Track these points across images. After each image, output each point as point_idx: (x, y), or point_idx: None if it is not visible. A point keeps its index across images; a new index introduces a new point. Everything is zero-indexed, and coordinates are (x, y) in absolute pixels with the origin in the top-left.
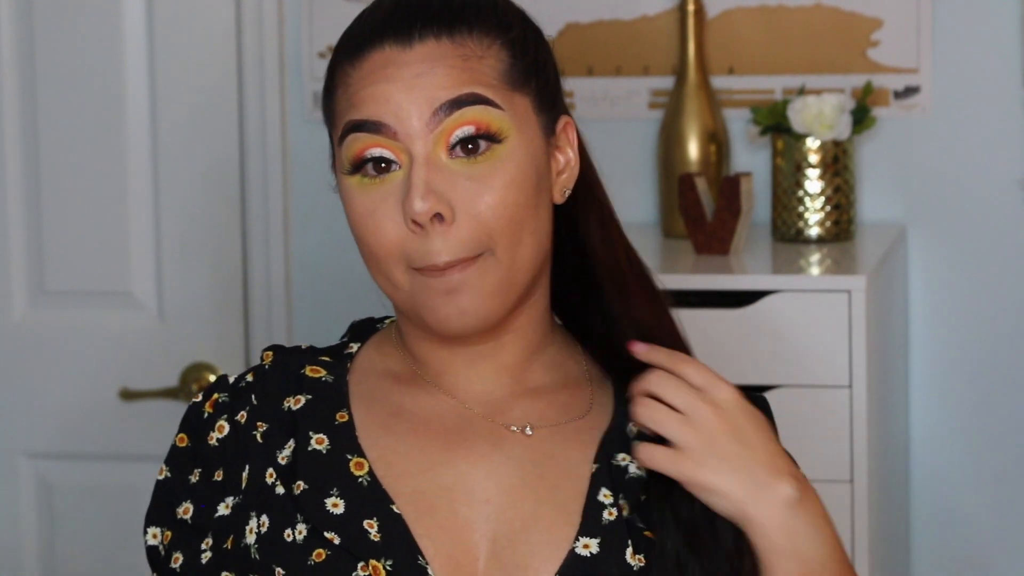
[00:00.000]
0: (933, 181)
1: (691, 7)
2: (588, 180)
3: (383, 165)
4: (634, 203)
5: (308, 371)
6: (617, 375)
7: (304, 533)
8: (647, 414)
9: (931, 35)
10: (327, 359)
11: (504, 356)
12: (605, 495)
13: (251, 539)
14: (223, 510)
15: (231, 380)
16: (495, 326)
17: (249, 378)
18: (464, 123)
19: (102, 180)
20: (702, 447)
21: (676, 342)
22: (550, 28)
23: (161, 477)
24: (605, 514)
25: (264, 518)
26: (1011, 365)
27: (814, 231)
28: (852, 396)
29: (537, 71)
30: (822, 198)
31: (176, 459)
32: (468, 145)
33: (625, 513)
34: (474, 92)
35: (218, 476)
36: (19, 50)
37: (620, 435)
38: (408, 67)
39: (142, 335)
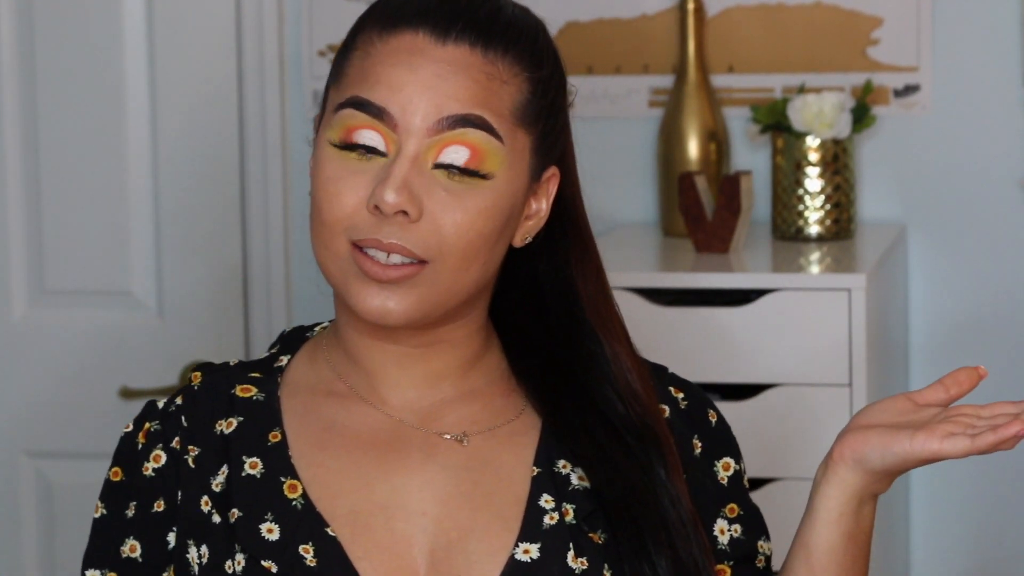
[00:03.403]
0: (933, 180)
1: (691, 6)
2: (580, 228)
3: (369, 151)
4: (634, 202)
5: (239, 391)
6: (538, 388)
7: (243, 564)
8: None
9: (931, 33)
10: (257, 375)
11: (436, 363)
12: (547, 500)
13: (195, 570)
14: (172, 540)
15: (160, 405)
16: (421, 330)
17: (178, 401)
18: (463, 142)
19: (102, 180)
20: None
21: (646, 378)
22: (550, 27)
23: (97, 515)
24: (546, 519)
25: (204, 548)
26: (1011, 363)
27: (814, 229)
28: (852, 395)
29: (548, 116)
30: (822, 196)
31: (112, 494)
32: (454, 171)
33: (568, 518)
34: (483, 117)
35: (158, 507)
36: (19, 50)
37: (557, 440)
38: (434, 64)
39: (142, 334)
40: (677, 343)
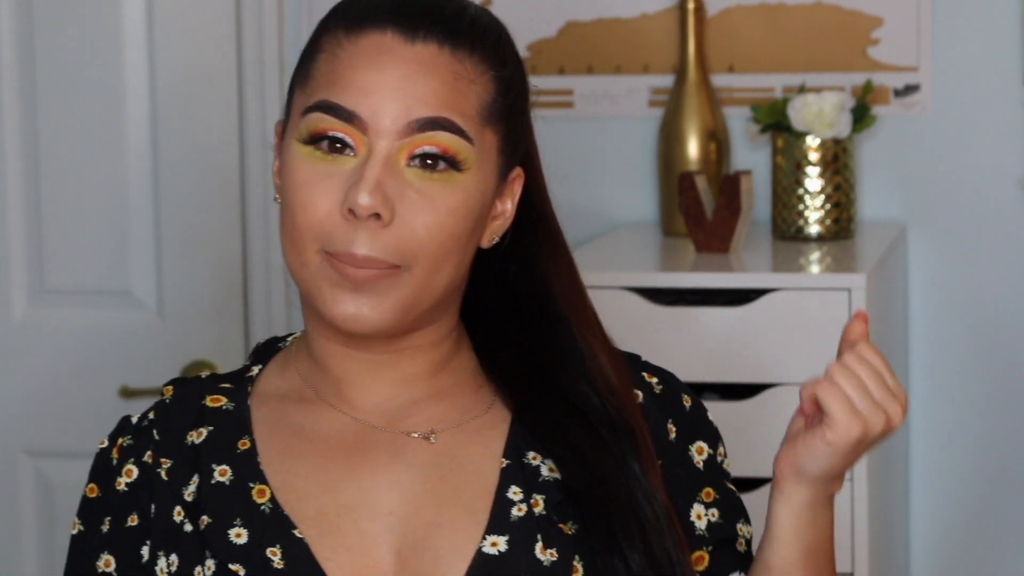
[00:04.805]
0: (933, 179)
1: (691, 5)
2: (550, 226)
3: (339, 146)
4: (634, 202)
5: (209, 401)
6: (509, 383)
7: (212, 568)
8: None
9: (931, 33)
10: (228, 386)
11: (405, 367)
12: (515, 492)
13: None
14: (146, 553)
15: (134, 420)
16: (391, 337)
17: (151, 416)
18: (433, 144)
19: (102, 179)
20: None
21: (622, 371)
22: (550, 26)
23: (75, 532)
24: (514, 510)
25: (173, 557)
26: (1011, 364)
27: (814, 229)
28: None
29: (512, 114)
30: (822, 196)
31: (88, 511)
32: (428, 160)
33: (538, 510)
34: (452, 119)
35: (132, 521)
36: (19, 50)
37: (527, 432)
38: (402, 64)
39: (142, 334)
40: (677, 343)
